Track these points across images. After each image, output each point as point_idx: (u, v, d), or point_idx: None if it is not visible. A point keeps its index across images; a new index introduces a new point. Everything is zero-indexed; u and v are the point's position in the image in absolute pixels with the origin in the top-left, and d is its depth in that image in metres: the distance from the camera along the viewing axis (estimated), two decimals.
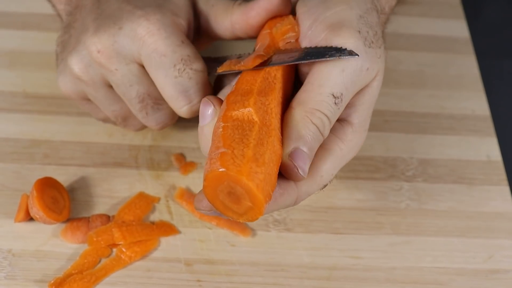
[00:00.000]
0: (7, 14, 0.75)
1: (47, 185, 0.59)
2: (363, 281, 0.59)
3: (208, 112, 0.49)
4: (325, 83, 0.48)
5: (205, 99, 0.49)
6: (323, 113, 0.48)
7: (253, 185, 0.44)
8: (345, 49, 0.48)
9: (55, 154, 0.64)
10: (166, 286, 0.57)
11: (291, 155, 0.46)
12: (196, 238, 0.60)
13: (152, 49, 0.52)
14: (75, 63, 0.54)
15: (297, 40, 0.53)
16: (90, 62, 0.54)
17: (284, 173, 0.47)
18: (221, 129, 0.47)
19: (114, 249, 0.59)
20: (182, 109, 0.54)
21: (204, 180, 0.45)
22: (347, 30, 0.49)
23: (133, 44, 0.53)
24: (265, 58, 0.51)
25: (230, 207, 0.46)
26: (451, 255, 0.61)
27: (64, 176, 0.63)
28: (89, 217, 0.60)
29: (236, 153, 0.45)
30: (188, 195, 0.62)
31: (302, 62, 0.50)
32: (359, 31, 0.49)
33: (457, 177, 0.66)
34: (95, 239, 0.58)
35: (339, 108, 0.48)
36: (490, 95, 0.73)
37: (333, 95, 0.48)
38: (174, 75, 0.53)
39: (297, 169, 0.46)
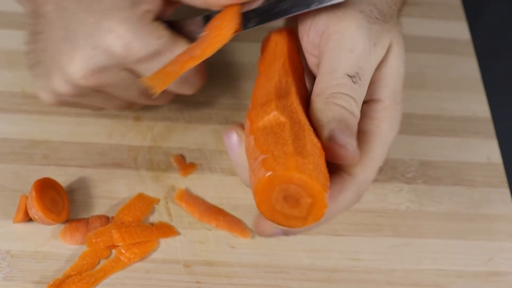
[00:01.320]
0: (6, 14, 0.75)
1: (46, 186, 0.59)
2: (363, 283, 0.59)
3: (234, 141, 0.46)
4: (337, 67, 0.47)
5: (228, 130, 0.47)
6: (344, 93, 0.46)
7: (306, 176, 0.40)
8: None
9: (54, 155, 0.64)
10: (165, 287, 0.57)
11: (331, 138, 0.44)
12: (196, 240, 0.60)
13: (135, 60, 0.52)
14: (62, 86, 0.54)
15: None
16: (76, 86, 0.53)
17: (335, 160, 0.44)
18: (253, 142, 0.44)
19: (113, 251, 0.58)
20: (184, 91, 0.56)
21: (255, 195, 0.42)
22: (349, 11, 0.49)
23: (114, 59, 0.52)
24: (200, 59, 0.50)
25: (291, 214, 0.42)
26: (451, 257, 0.61)
27: (63, 176, 0.62)
28: (88, 218, 0.60)
29: (277, 154, 0.42)
30: (187, 197, 0.62)
31: (287, 16, 0.49)
32: (361, 11, 0.49)
33: (457, 179, 0.66)
34: (94, 240, 0.58)
35: (360, 86, 0.47)
36: (491, 97, 0.73)
37: (348, 75, 0.47)
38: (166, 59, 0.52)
39: (345, 147, 0.43)
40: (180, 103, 0.68)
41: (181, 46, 0.53)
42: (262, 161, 0.41)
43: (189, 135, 0.67)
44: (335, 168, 0.46)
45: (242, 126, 0.47)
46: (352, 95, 0.46)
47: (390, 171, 0.66)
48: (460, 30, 0.79)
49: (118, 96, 0.56)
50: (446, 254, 0.61)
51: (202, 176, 0.64)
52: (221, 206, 0.62)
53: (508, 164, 0.68)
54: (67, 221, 0.60)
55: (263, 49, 0.54)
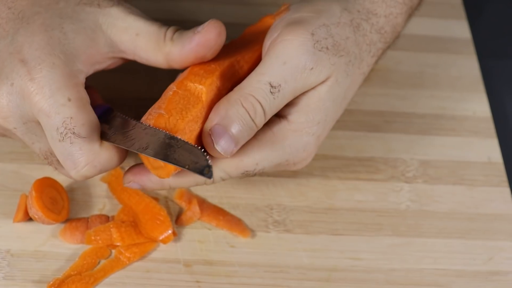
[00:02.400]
0: None
1: (46, 185, 0.59)
2: (363, 283, 0.59)
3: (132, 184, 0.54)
4: (265, 71, 0.50)
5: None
6: (257, 99, 0.49)
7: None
8: (204, 168, 0.47)
9: None
10: (165, 287, 0.57)
11: (211, 129, 0.49)
12: (196, 239, 0.60)
13: (38, 109, 0.48)
14: None
15: (286, 8, 0.57)
16: None
17: (205, 148, 0.50)
18: (171, 93, 0.51)
19: (113, 250, 0.58)
20: (71, 174, 0.50)
21: None
22: (301, 29, 0.51)
23: (25, 103, 0.49)
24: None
25: (149, 158, 0.49)
26: (451, 257, 0.61)
27: (63, 176, 0.62)
28: (88, 218, 0.60)
29: (171, 120, 0.49)
30: (188, 196, 0.62)
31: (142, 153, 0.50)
32: (313, 34, 0.51)
33: (457, 178, 0.66)
34: (93, 237, 0.58)
35: (274, 99, 0.50)
36: (491, 96, 0.73)
37: (270, 84, 0.49)
38: (57, 138, 0.49)
39: (213, 144, 0.49)
40: None
41: (81, 128, 0.49)
42: (158, 115, 0.49)
43: None
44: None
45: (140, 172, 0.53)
46: (263, 103, 0.49)
47: (390, 171, 0.66)
48: (460, 29, 0.79)
49: (28, 147, 0.53)
50: (446, 254, 0.61)
51: None
52: (221, 206, 0.62)
53: (508, 163, 0.68)
54: (67, 220, 0.60)
55: (252, 27, 0.59)
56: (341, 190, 0.64)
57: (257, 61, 0.54)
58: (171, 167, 0.49)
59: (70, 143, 0.49)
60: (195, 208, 0.61)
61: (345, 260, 0.60)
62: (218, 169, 0.52)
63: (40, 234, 0.59)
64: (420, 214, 0.63)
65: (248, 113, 0.49)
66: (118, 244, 0.58)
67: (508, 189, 0.66)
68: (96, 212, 0.61)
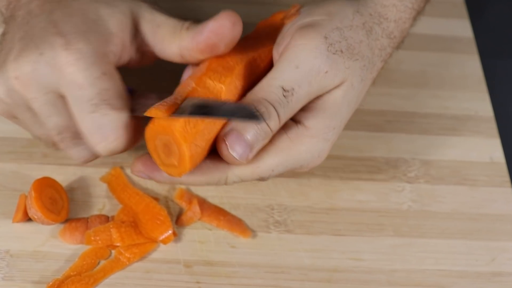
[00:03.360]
0: None
1: (46, 185, 0.59)
2: (364, 284, 0.58)
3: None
4: (277, 75, 0.50)
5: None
6: (270, 103, 0.49)
7: (187, 149, 0.48)
8: (257, 115, 0.47)
9: (54, 154, 0.64)
10: (165, 287, 0.57)
11: (226, 134, 0.49)
12: (196, 239, 0.60)
13: (70, 80, 0.49)
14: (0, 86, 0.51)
15: (297, 11, 0.56)
16: (10, 87, 0.51)
17: (220, 152, 0.49)
18: (190, 88, 0.50)
19: (113, 251, 0.58)
20: (97, 147, 0.50)
21: (151, 122, 0.49)
22: (313, 33, 0.50)
23: (53, 73, 0.49)
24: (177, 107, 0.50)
25: (160, 155, 0.50)
26: (454, 258, 0.61)
27: (63, 176, 0.62)
28: (87, 218, 0.60)
29: (190, 120, 0.48)
30: (188, 196, 0.62)
31: (210, 118, 0.50)
32: (326, 37, 0.51)
33: (459, 178, 0.66)
34: (92, 238, 0.58)
35: (288, 102, 0.49)
36: (494, 96, 0.72)
37: (283, 88, 0.49)
38: (89, 110, 0.49)
39: (227, 148, 0.49)
40: None
41: (116, 100, 0.50)
42: (159, 104, 0.48)
43: None
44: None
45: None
46: (277, 107, 0.49)
47: (391, 171, 0.66)
48: (462, 28, 0.79)
49: (42, 123, 0.52)
50: (448, 254, 0.61)
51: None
52: (221, 206, 0.62)
53: (511, 163, 0.67)
54: (67, 220, 0.59)
55: (264, 22, 0.59)
56: (343, 190, 0.64)
57: (272, 60, 0.54)
58: (185, 166, 0.49)
59: (103, 115, 0.49)
60: (196, 208, 0.60)
61: (346, 261, 0.59)
62: (233, 174, 0.51)
63: (40, 234, 0.59)
64: (422, 214, 0.63)
65: (263, 117, 0.49)
66: (118, 244, 0.58)
67: (510, 189, 0.65)
68: (95, 212, 0.61)
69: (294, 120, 0.52)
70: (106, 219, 0.60)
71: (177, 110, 0.48)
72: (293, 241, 0.60)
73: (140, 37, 0.53)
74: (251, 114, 0.47)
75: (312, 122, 0.52)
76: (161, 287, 0.57)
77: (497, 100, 0.73)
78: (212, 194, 0.62)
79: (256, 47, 0.55)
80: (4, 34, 0.53)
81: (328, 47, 0.50)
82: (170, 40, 0.52)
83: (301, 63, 0.50)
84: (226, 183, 0.52)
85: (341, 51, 0.51)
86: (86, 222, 0.59)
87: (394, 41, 0.57)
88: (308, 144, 0.52)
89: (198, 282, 0.57)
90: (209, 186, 0.54)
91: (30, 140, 0.64)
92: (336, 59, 0.50)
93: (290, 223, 0.61)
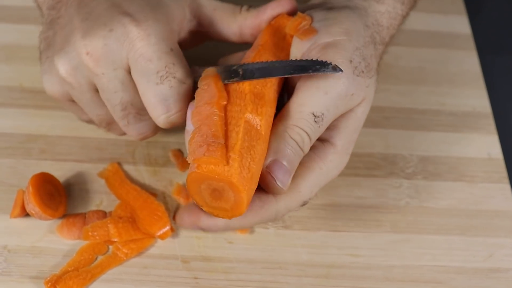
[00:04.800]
0: (4, 8, 0.74)
1: (43, 181, 0.59)
2: (362, 279, 0.58)
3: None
4: (307, 102, 0.50)
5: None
6: (303, 130, 0.50)
7: (245, 196, 0.46)
8: (330, 64, 0.50)
9: (52, 149, 0.64)
10: (163, 283, 0.57)
11: (269, 166, 0.49)
12: (193, 235, 0.59)
13: (140, 53, 0.51)
14: (62, 64, 0.53)
15: (310, 26, 0.54)
16: (78, 64, 0.53)
17: (264, 186, 0.50)
18: (216, 117, 0.48)
19: (111, 246, 0.58)
20: (160, 118, 0.53)
21: (197, 166, 0.47)
22: (339, 58, 0.51)
23: (122, 48, 0.52)
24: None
25: (206, 198, 0.48)
26: (451, 254, 0.61)
27: (61, 171, 0.62)
28: (85, 213, 0.60)
29: (244, 163, 0.47)
30: (185, 191, 0.62)
31: (286, 76, 0.52)
32: (351, 61, 0.52)
33: (457, 174, 0.66)
34: (90, 233, 0.58)
35: (319, 127, 0.51)
36: (491, 92, 0.72)
37: (314, 114, 0.50)
38: (156, 81, 0.52)
39: (275, 180, 0.49)
40: None
41: (182, 73, 0.53)
42: (207, 147, 0.46)
43: None
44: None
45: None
46: (309, 133, 0.50)
47: (389, 167, 0.66)
48: (460, 24, 0.79)
49: (106, 99, 0.54)
50: (446, 250, 0.61)
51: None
52: None
53: (508, 159, 0.67)
54: (64, 216, 0.59)
55: (276, 26, 0.57)
56: (340, 186, 0.64)
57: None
58: (240, 211, 0.48)
59: (169, 87, 0.52)
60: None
61: (343, 257, 0.59)
62: (282, 207, 0.52)
63: (37, 229, 0.59)
64: (420, 210, 0.63)
65: (297, 143, 0.50)
66: (115, 240, 0.58)
67: (508, 186, 0.65)
68: (93, 207, 0.61)
69: (320, 139, 0.53)
70: (104, 214, 0.60)
71: (236, 77, 0.50)
72: (290, 237, 0.60)
73: (196, 19, 0.57)
74: (324, 64, 0.49)
75: (337, 140, 0.53)
76: (159, 282, 0.57)
77: (495, 97, 0.72)
78: None
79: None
80: (55, 19, 0.56)
81: (353, 70, 0.51)
82: (229, 20, 0.57)
83: (330, 89, 0.50)
84: (277, 218, 0.52)
85: (362, 72, 0.52)
86: (83, 217, 0.59)
87: (385, 47, 0.58)
88: (336, 161, 0.54)
89: (195, 278, 0.57)
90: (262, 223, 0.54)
91: (28, 135, 0.64)
92: (359, 81, 0.52)
93: (288, 219, 0.61)
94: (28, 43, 0.72)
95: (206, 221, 0.51)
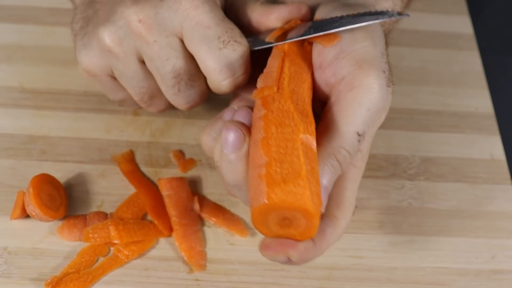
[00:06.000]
0: (4, 8, 0.74)
1: (44, 182, 0.58)
2: (364, 281, 0.58)
3: (236, 140, 0.47)
4: (351, 121, 0.49)
5: (231, 128, 0.47)
6: (347, 150, 0.49)
7: (318, 221, 0.45)
8: (387, 11, 0.50)
9: (52, 150, 0.64)
10: (164, 285, 0.56)
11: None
12: None
13: (196, 21, 0.52)
14: (108, 34, 0.53)
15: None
16: (125, 34, 0.53)
17: None
18: (260, 143, 0.45)
19: (112, 248, 0.58)
20: (224, 82, 0.53)
21: (253, 214, 0.44)
22: (375, 70, 0.50)
23: (176, 16, 0.52)
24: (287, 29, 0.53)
25: (272, 228, 0.46)
26: (453, 255, 0.60)
27: (61, 172, 0.62)
28: (86, 215, 0.60)
29: (285, 170, 0.44)
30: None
31: (342, 29, 0.50)
32: (384, 71, 0.51)
33: (460, 175, 0.66)
34: (91, 235, 0.57)
35: (360, 144, 0.50)
36: (494, 93, 0.72)
37: (358, 133, 0.49)
38: (218, 46, 0.52)
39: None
40: None
41: (241, 37, 0.53)
42: (266, 174, 0.44)
43: (188, 131, 0.66)
44: (327, 210, 0.49)
45: (248, 129, 0.48)
46: (352, 152, 0.49)
47: (391, 168, 0.65)
48: (463, 24, 0.78)
49: (156, 68, 0.54)
50: (448, 252, 0.60)
51: (202, 172, 0.63)
52: (220, 203, 0.61)
53: (511, 160, 0.67)
54: (65, 217, 0.59)
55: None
56: None
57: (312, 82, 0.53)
58: (310, 235, 0.46)
59: (233, 50, 0.52)
60: (195, 205, 0.60)
61: (346, 258, 0.59)
62: (343, 224, 0.50)
63: (38, 231, 0.59)
64: (422, 211, 0.63)
65: (340, 164, 0.49)
66: (116, 241, 0.57)
67: (511, 187, 0.65)
68: (94, 209, 0.60)
69: None
70: (105, 216, 0.60)
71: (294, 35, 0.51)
72: None
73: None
74: (376, 12, 0.50)
75: (364, 146, 0.52)
76: (160, 284, 0.56)
77: (498, 97, 0.72)
78: (211, 191, 0.62)
79: (303, 78, 0.52)
80: (90, 2, 0.56)
81: (386, 82, 0.50)
82: (243, 11, 0.56)
83: (372, 105, 0.49)
84: (340, 237, 0.51)
85: (390, 80, 0.51)
86: (84, 219, 0.59)
87: (388, 40, 0.57)
88: (363, 164, 0.53)
89: (197, 280, 0.57)
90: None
91: (28, 136, 0.64)
92: (389, 92, 0.51)
93: None
94: (28, 43, 0.72)
95: (297, 251, 0.48)
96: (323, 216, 0.48)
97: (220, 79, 0.53)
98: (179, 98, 0.56)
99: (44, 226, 0.59)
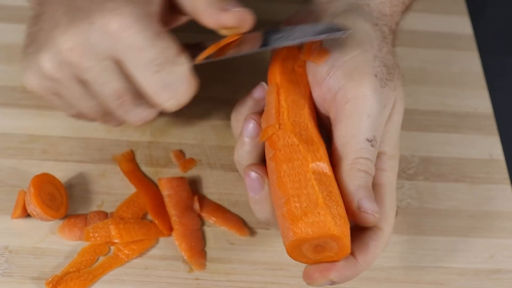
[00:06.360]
0: (5, 8, 0.74)
1: (45, 182, 0.59)
2: (363, 281, 0.58)
3: (256, 183, 0.50)
4: (358, 132, 0.50)
5: (249, 172, 0.50)
6: (365, 158, 0.50)
7: (348, 241, 0.46)
8: (339, 27, 0.50)
9: (53, 150, 0.64)
10: (164, 284, 0.57)
11: (360, 207, 0.48)
12: None
13: (128, 44, 0.49)
14: (46, 61, 0.51)
15: (321, 47, 0.53)
16: (62, 61, 0.51)
17: (362, 223, 0.49)
18: (276, 182, 0.48)
19: (112, 247, 0.58)
20: (167, 104, 0.51)
21: (287, 250, 0.47)
22: (366, 77, 0.51)
23: (107, 40, 0.49)
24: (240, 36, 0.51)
25: (308, 256, 0.48)
26: (453, 255, 0.61)
27: (62, 172, 0.62)
28: (87, 214, 0.60)
29: (304, 203, 0.46)
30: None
31: (299, 42, 0.51)
32: (376, 75, 0.51)
33: (459, 175, 0.66)
34: (91, 234, 0.58)
35: (375, 148, 0.51)
36: (493, 93, 0.72)
37: (368, 140, 0.50)
38: (154, 70, 0.49)
39: (373, 214, 0.48)
40: None
41: (179, 55, 0.50)
42: (288, 212, 0.46)
43: (188, 131, 0.66)
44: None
45: (264, 168, 0.50)
46: (371, 158, 0.50)
47: None
48: (462, 25, 0.79)
49: (96, 93, 0.52)
50: (447, 252, 0.61)
51: (202, 172, 0.64)
52: (220, 202, 0.62)
53: (510, 160, 0.67)
54: (66, 217, 0.59)
55: (280, 62, 0.55)
56: None
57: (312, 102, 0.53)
58: (345, 252, 0.47)
59: (169, 73, 0.50)
60: (195, 204, 0.60)
61: None
62: (387, 232, 0.51)
63: (39, 230, 0.59)
64: (421, 211, 0.63)
65: (366, 172, 0.50)
66: (116, 241, 0.58)
67: (510, 187, 0.65)
68: (94, 208, 0.61)
69: None
70: (105, 215, 0.60)
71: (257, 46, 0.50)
72: None
73: None
74: (333, 28, 0.49)
75: (386, 146, 0.53)
76: (160, 283, 0.57)
77: (497, 97, 0.72)
78: (211, 191, 0.62)
79: (301, 104, 0.52)
80: (40, 14, 0.53)
81: (380, 83, 0.51)
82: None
83: (371, 110, 0.50)
84: (387, 244, 0.52)
85: (386, 79, 0.52)
86: (85, 218, 0.59)
87: (395, 36, 0.58)
88: (394, 163, 0.54)
89: (196, 279, 0.57)
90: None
91: (29, 136, 0.64)
92: (386, 91, 0.52)
93: None
94: None
95: (336, 272, 0.49)
96: (365, 230, 0.50)
97: (160, 102, 0.51)
98: (129, 117, 0.54)
99: (45, 225, 0.59)
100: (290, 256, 0.47)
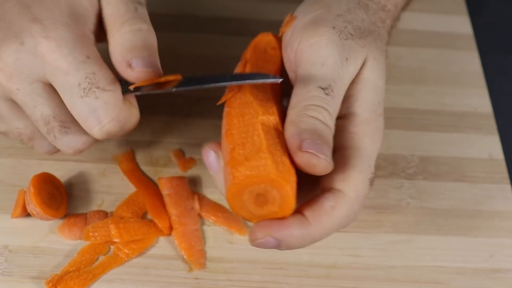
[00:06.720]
0: None
1: (44, 181, 0.59)
2: (363, 280, 0.58)
3: (213, 159, 0.48)
4: (310, 80, 0.49)
5: (205, 149, 0.48)
6: (317, 105, 0.47)
7: (290, 189, 0.44)
8: (269, 74, 0.49)
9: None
10: (164, 283, 0.57)
11: (302, 146, 0.45)
12: None
13: (55, 67, 0.48)
14: None
15: (291, 15, 0.54)
16: None
17: (308, 169, 0.45)
18: (259, 135, 0.46)
19: (112, 247, 0.58)
20: (93, 130, 0.49)
21: (233, 178, 0.44)
22: (322, 27, 0.50)
23: (36, 62, 0.48)
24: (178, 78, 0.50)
25: (251, 209, 0.45)
26: (452, 254, 0.61)
27: (62, 171, 0.62)
28: (86, 213, 0.60)
29: (246, 150, 0.45)
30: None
31: (223, 85, 0.50)
32: (334, 27, 0.50)
33: (458, 175, 0.66)
34: (91, 233, 0.58)
35: (333, 98, 0.48)
36: (493, 92, 0.72)
37: (321, 87, 0.48)
38: (79, 94, 0.48)
39: (316, 155, 0.45)
40: (179, 98, 0.68)
41: (105, 81, 0.49)
42: (230, 159, 0.45)
43: (188, 130, 0.66)
44: (326, 186, 0.47)
45: (218, 145, 0.48)
46: (325, 106, 0.48)
47: (390, 167, 0.66)
48: (461, 24, 0.79)
49: (27, 114, 0.51)
50: (446, 251, 0.61)
51: (201, 171, 0.64)
52: (219, 202, 0.62)
53: (509, 160, 0.67)
54: (66, 216, 0.59)
55: (254, 44, 0.56)
56: None
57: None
58: (290, 207, 0.44)
59: (95, 98, 0.48)
60: (195, 204, 0.60)
61: (344, 257, 0.59)
62: (353, 196, 0.47)
63: (38, 229, 0.59)
64: (421, 211, 0.63)
65: (318, 118, 0.47)
66: (116, 240, 0.58)
67: (509, 186, 0.65)
68: (94, 208, 0.61)
69: (343, 117, 0.50)
70: (105, 215, 0.60)
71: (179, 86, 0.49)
72: None
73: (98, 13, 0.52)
74: (261, 76, 0.48)
75: (357, 107, 0.50)
76: (160, 283, 0.57)
77: (496, 97, 0.72)
78: (210, 190, 0.62)
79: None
80: None
81: (339, 35, 0.50)
82: (112, 27, 0.51)
83: (324, 59, 0.49)
84: (356, 213, 0.48)
85: (351, 34, 0.51)
86: (85, 217, 0.59)
87: (390, 14, 0.56)
88: (371, 126, 0.50)
89: (196, 278, 0.57)
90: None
91: None
92: (350, 44, 0.50)
93: None
94: None
95: (281, 229, 0.46)
96: (322, 190, 0.47)
97: (87, 127, 0.49)
98: (59, 145, 0.52)
99: (44, 224, 0.59)
100: (231, 208, 0.45)
